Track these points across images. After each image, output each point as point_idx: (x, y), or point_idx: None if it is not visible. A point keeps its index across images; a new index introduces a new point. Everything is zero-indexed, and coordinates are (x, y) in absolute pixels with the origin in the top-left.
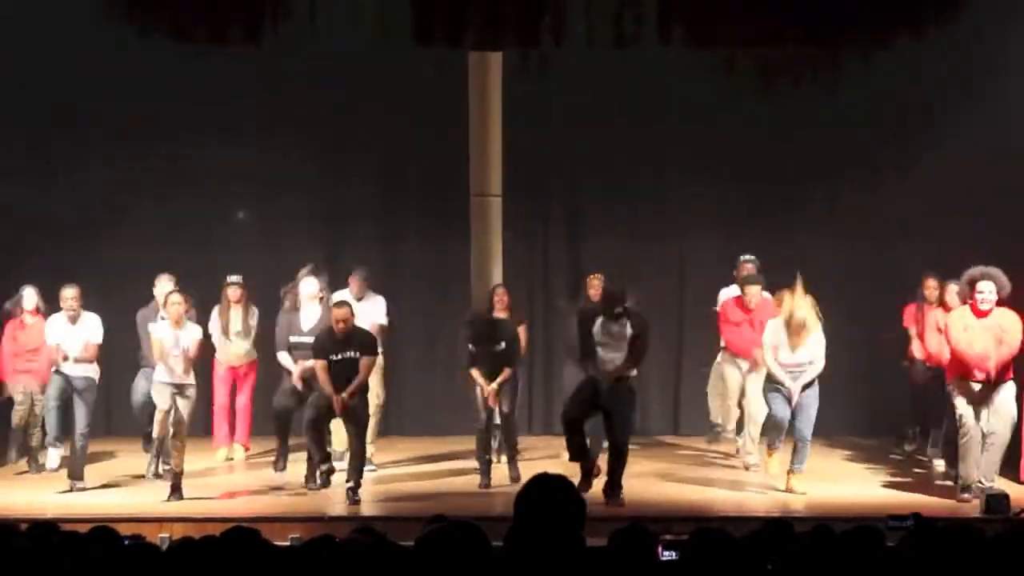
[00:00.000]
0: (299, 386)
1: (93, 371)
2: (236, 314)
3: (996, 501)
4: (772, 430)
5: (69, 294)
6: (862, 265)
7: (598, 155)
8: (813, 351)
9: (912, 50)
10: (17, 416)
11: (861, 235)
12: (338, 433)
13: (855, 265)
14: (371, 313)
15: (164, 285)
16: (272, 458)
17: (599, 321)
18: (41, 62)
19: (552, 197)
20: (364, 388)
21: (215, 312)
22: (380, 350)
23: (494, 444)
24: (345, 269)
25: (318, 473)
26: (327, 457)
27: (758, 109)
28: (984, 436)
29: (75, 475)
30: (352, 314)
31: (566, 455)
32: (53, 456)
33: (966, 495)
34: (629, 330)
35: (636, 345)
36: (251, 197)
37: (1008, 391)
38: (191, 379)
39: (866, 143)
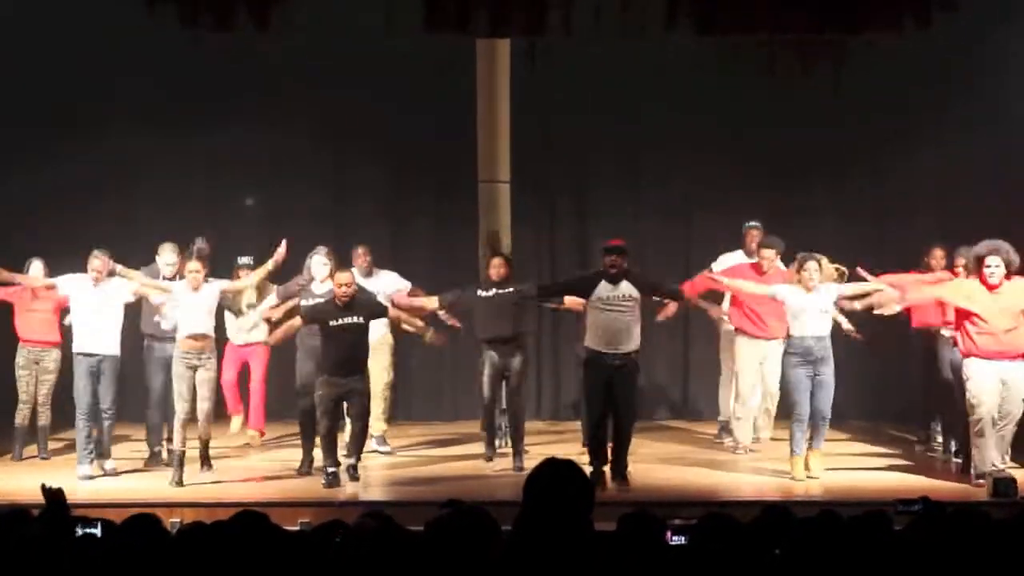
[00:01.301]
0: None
1: (115, 346)
2: (247, 293)
3: (1004, 485)
4: (796, 428)
5: (97, 257)
6: (866, 248)
7: (605, 140)
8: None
9: (916, 37)
10: (20, 416)
11: (865, 218)
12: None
13: (859, 248)
14: (385, 287)
15: (167, 255)
16: (286, 443)
17: (601, 289)
18: (46, 49)
19: (559, 183)
20: (365, 368)
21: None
22: (391, 335)
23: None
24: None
25: (326, 472)
26: (337, 463)
27: (763, 94)
28: (997, 418)
29: (102, 455)
30: (355, 280)
31: (572, 441)
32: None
33: (982, 481)
34: (634, 291)
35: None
36: (258, 183)
37: (1021, 371)
38: (212, 332)
39: (870, 127)
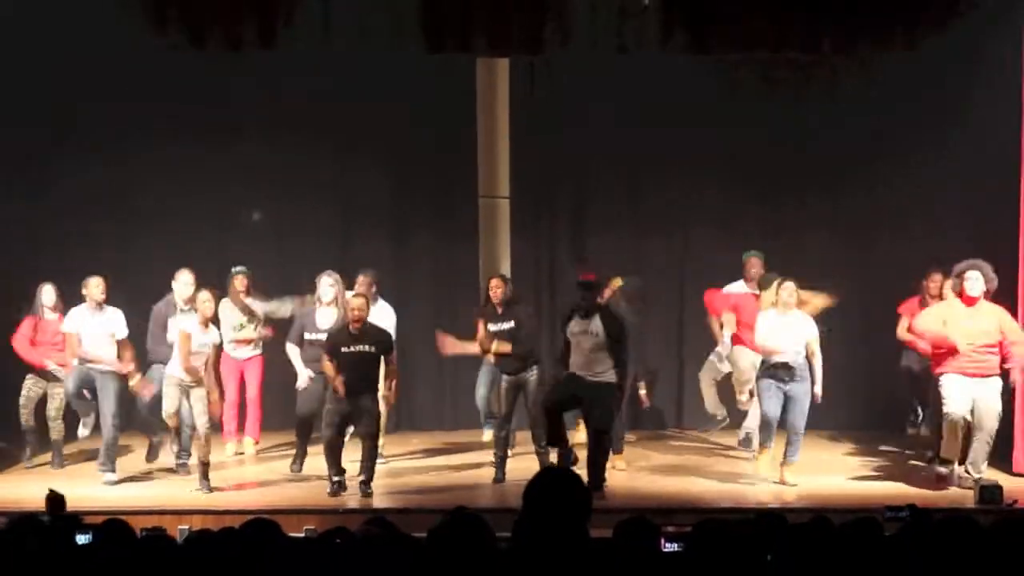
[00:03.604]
0: (303, 384)
1: (114, 364)
2: (241, 302)
3: (989, 492)
4: (763, 429)
5: (94, 283)
6: (861, 261)
7: (603, 156)
8: (806, 328)
9: (910, 53)
10: (23, 417)
11: (860, 231)
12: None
13: (854, 261)
14: (378, 319)
15: (184, 279)
16: (284, 452)
17: (576, 323)
18: (49, 63)
19: (558, 198)
20: (375, 388)
21: (224, 304)
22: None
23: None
24: (352, 270)
25: (331, 481)
26: (341, 471)
27: (759, 108)
28: (970, 429)
29: (106, 464)
30: (367, 306)
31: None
32: (83, 428)
33: (943, 469)
34: (601, 329)
35: (616, 352)
36: (261, 198)
37: (994, 386)
38: (201, 372)
39: (865, 141)
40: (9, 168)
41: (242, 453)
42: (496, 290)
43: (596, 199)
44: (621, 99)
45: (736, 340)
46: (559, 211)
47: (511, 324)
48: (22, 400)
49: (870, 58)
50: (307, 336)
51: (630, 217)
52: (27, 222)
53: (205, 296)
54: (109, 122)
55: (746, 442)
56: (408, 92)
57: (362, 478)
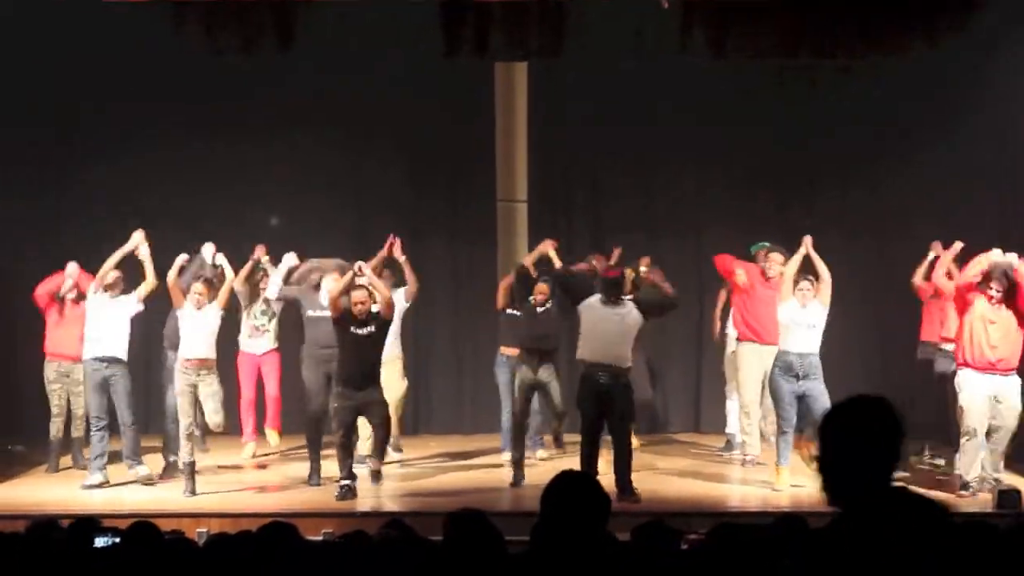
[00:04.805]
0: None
1: (122, 351)
2: (259, 298)
3: (1007, 497)
4: (782, 441)
5: (114, 273)
6: (874, 259)
7: (619, 159)
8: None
9: (921, 56)
10: (54, 428)
11: (872, 232)
12: (363, 431)
13: (867, 259)
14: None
15: (206, 251)
16: (302, 454)
17: (600, 304)
18: (61, 61)
19: (575, 199)
20: (378, 381)
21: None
22: (400, 349)
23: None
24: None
25: (340, 485)
26: (352, 475)
27: (771, 110)
28: (989, 430)
29: (133, 458)
30: (370, 296)
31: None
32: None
33: (964, 492)
34: (635, 313)
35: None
36: (277, 200)
37: (1014, 384)
38: (212, 355)
39: (876, 140)
40: (13, 168)
41: (264, 455)
42: (540, 296)
43: (611, 200)
44: (636, 100)
45: (743, 336)
46: (575, 212)
47: (549, 306)
48: (54, 410)
49: (883, 62)
50: (310, 314)
51: (645, 216)
52: (30, 221)
53: (198, 288)
54: (123, 123)
55: (728, 447)
56: (425, 91)
57: (375, 467)
